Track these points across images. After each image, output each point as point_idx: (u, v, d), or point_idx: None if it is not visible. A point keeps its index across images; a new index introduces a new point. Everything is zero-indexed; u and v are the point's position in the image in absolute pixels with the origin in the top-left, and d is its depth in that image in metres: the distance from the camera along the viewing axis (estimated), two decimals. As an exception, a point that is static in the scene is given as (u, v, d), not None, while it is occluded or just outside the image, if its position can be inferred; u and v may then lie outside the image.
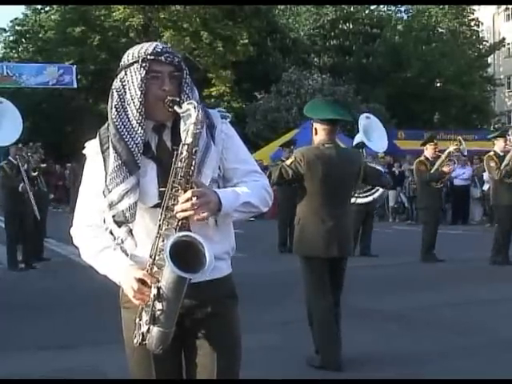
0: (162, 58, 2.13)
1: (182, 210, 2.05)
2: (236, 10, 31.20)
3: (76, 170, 19.78)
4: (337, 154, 4.76)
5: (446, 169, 10.06)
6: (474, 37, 38.07)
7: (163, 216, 2.09)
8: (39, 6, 35.94)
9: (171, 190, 2.08)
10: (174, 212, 2.06)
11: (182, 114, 2.12)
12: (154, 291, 2.05)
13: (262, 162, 20.22)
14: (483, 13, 41.01)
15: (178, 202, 2.06)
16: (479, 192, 17.48)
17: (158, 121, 2.20)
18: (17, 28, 36.60)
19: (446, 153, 10.23)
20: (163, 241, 2.06)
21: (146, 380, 2.28)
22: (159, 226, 2.09)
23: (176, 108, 2.11)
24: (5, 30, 36.88)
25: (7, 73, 26.77)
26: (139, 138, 2.15)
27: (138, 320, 2.13)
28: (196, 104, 2.07)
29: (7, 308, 6.93)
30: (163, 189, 2.11)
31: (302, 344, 4.88)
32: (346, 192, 4.95)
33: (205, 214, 2.06)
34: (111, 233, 2.23)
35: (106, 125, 2.22)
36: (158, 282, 2.05)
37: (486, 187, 14.80)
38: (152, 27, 32.13)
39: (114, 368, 3.82)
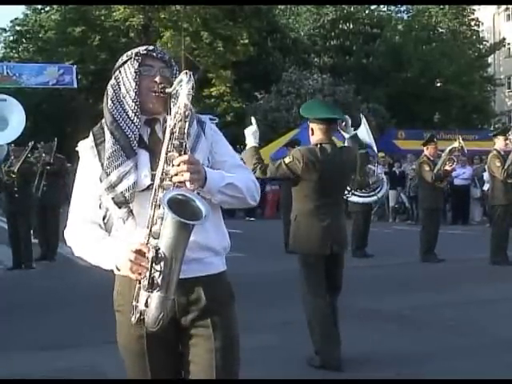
0: (154, 53, 2.27)
1: (178, 173, 2.06)
2: (236, 9, 31.19)
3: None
4: (334, 153, 4.76)
5: (448, 168, 10.09)
6: (474, 37, 38.04)
7: (159, 181, 2.10)
8: (39, 6, 35.97)
9: (166, 154, 2.11)
10: (170, 175, 2.08)
11: (173, 94, 2.17)
12: (152, 253, 2.01)
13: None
14: (483, 13, 40.99)
15: (172, 165, 2.09)
16: (479, 192, 17.45)
17: (150, 113, 2.27)
18: (17, 28, 36.60)
19: (446, 151, 10.24)
20: (159, 208, 2.06)
21: (145, 380, 2.28)
22: (154, 191, 2.10)
23: (167, 90, 2.19)
24: (5, 29, 36.91)
25: (7, 73, 26.70)
26: (135, 128, 2.23)
27: (134, 303, 2.10)
28: (187, 71, 2.12)
29: (7, 308, 6.93)
30: (155, 172, 2.15)
31: (301, 344, 4.86)
32: (342, 191, 5.18)
33: (195, 185, 2.09)
34: (105, 226, 2.26)
35: (99, 124, 2.31)
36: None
37: (486, 187, 14.76)
38: (152, 27, 32.16)
39: (114, 368, 3.81)
